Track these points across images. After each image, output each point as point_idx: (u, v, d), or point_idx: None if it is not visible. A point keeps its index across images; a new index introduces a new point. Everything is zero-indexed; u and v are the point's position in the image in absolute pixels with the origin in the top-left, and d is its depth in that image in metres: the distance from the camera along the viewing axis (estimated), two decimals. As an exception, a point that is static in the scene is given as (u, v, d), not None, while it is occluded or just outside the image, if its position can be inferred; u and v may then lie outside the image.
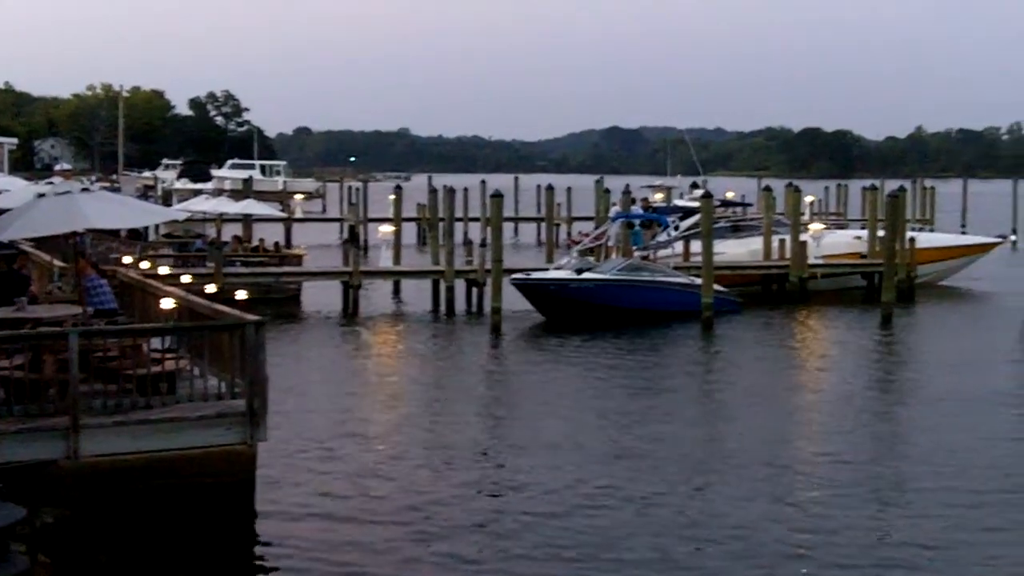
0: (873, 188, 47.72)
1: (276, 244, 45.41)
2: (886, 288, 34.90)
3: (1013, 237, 56.46)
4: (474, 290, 37.64)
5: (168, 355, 15.93)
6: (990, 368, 27.64)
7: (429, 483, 16.94)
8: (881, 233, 40.55)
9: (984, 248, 47.52)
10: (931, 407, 23.06)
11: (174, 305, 17.72)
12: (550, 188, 59.44)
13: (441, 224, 48.42)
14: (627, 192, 48.96)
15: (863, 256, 43.38)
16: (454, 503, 15.92)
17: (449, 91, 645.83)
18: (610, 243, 41.74)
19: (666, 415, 22.15)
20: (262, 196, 68.26)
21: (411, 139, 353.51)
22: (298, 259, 41.69)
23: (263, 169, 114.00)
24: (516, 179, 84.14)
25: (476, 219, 66.02)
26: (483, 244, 45.82)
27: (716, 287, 34.67)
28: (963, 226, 70.84)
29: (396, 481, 17.04)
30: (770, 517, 15.39)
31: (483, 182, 70.89)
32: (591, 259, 39.44)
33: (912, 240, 42.04)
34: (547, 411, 22.27)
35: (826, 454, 19.12)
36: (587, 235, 49.16)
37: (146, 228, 44.04)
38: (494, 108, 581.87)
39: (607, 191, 56.08)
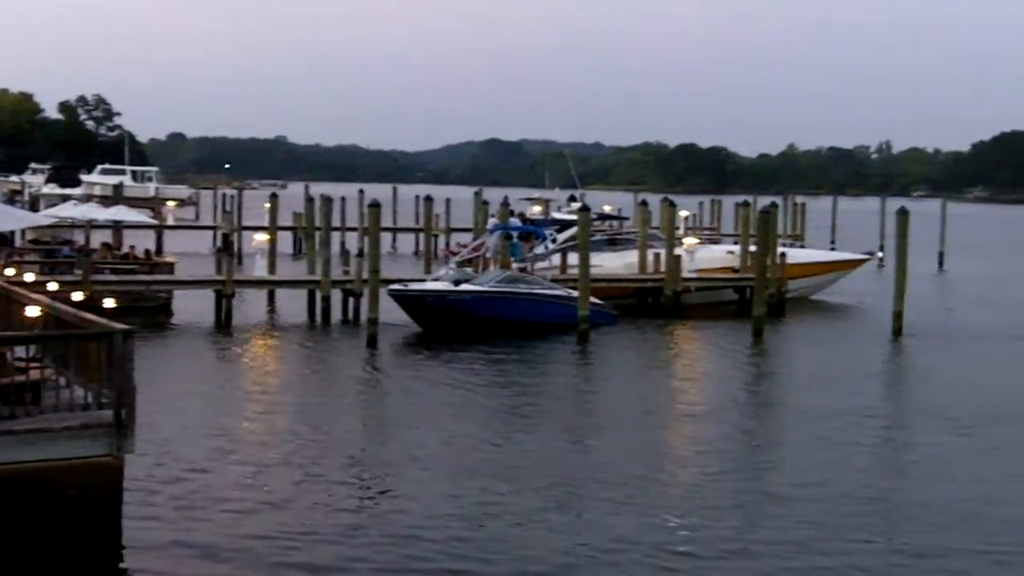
0: (746, 204, 48.63)
1: (147, 251, 44.63)
2: (757, 302, 35.53)
3: (880, 254, 58.01)
4: (350, 300, 37.34)
5: (33, 364, 15.49)
6: (856, 382, 28.23)
7: (301, 503, 16.63)
8: (753, 248, 41.27)
9: (852, 264, 48.78)
10: (799, 420, 23.51)
11: (40, 313, 17.24)
12: (428, 199, 59.45)
13: (317, 233, 48.06)
14: (505, 204, 49.13)
15: (735, 270, 44.09)
16: (327, 524, 15.64)
17: (327, 100, 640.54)
18: (488, 255, 41.78)
19: (540, 429, 22.21)
20: (133, 202, 67.31)
21: (288, 147, 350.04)
22: (169, 267, 40.92)
23: (134, 175, 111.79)
24: (395, 189, 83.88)
25: (353, 229, 65.71)
26: (360, 254, 45.60)
27: (592, 300, 34.93)
28: (832, 242, 72.49)
29: (267, 502, 16.67)
30: (639, 533, 15.47)
31: (361, 192, 70.48)
32: (469, 271, 39.42)
33: (783, 255, 42.87)
34: (422, 425, 22.11)
35: (696, 469, 19.35)
36: (465, 246, 49.28)
37: (12, 233, 42.90)
38: (373, 118, 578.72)
39: (485, 203, 56.30)
